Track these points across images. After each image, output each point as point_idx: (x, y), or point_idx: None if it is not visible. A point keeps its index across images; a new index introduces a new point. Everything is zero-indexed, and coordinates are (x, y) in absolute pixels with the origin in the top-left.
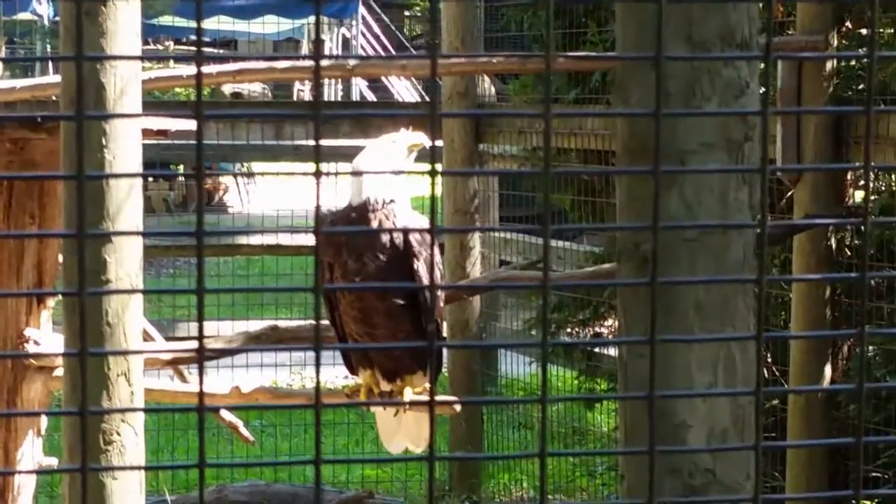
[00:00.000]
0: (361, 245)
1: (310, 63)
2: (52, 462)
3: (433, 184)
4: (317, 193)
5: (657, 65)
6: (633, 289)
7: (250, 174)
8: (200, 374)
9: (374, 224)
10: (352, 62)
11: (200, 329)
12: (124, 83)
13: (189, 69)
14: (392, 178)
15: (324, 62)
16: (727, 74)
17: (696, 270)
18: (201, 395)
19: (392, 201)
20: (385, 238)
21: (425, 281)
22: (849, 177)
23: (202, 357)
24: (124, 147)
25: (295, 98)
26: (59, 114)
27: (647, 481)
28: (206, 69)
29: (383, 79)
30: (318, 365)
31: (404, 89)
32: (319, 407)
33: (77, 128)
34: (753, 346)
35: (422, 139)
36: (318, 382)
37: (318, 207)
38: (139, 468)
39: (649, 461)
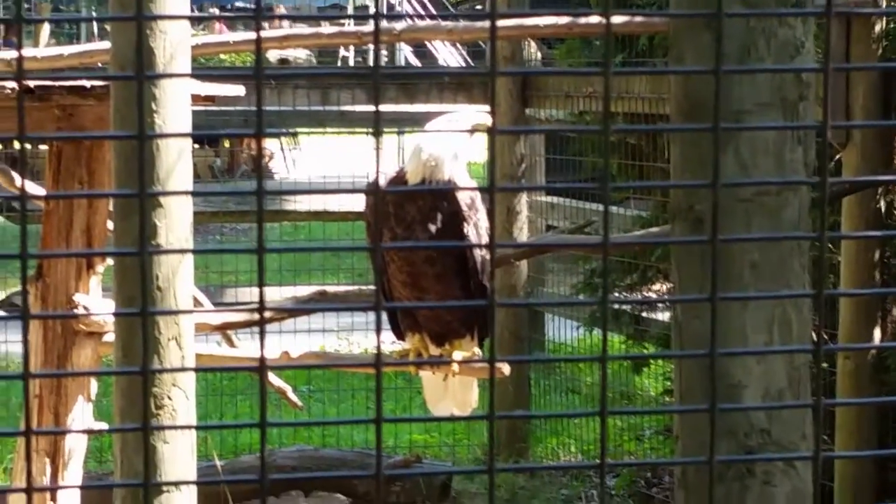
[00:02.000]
0: (411, 219)
1: (355, 28)
2: (103, 427)
3: (492, 143)
4: (377, 154)
5: (718, 21)
6: (687, 249)
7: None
8: (262, 332)
9: (428, 203)
10: (399, 26)
11: (261, 288)
12: (174, 48)
13: (235, 35)
14: (452, 158)
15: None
16: (783, 34)
17: (752, 231)
18: (262, 354)
19: (449, 181)
20: (437, 215)
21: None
22: None
23: (262, 316)
24: (174, 112)
25: (339, 64)
26: (118, 74)
27: (701, 442)
28: (253, 35)
29: (428, 45)
30: (378, 324)
31: (449, 55)
32: (380, 366)
33: (137, 86)
34: (808, 307)
35: (485, 118)
36: (378, 342)
37: (377, 168)
38: (196, 427)
39: (710, 418)
